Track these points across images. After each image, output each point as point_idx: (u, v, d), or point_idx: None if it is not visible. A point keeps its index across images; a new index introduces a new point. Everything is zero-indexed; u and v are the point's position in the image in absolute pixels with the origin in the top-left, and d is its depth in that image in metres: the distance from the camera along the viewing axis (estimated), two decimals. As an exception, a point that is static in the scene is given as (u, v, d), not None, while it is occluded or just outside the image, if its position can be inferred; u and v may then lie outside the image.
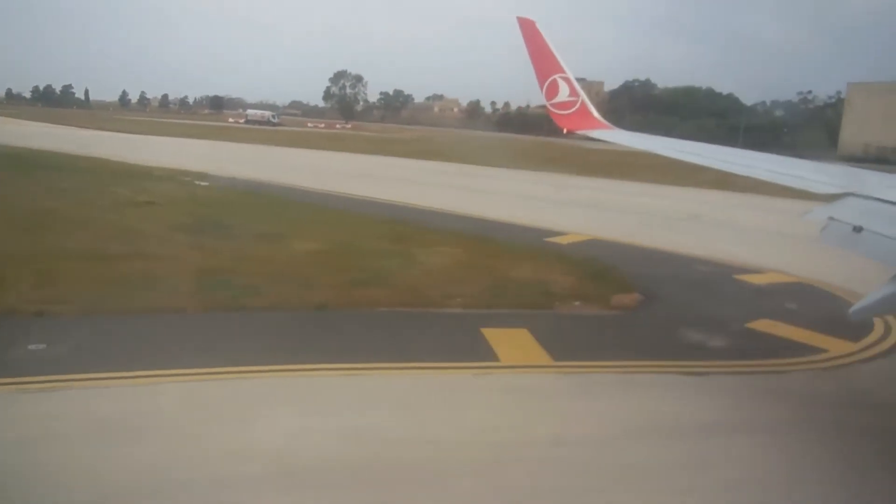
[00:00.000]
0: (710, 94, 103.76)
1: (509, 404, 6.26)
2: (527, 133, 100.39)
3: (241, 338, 7.66)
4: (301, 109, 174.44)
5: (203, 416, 5.68)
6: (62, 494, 4.46)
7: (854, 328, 9.18)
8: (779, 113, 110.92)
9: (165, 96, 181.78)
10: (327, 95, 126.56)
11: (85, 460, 4.86)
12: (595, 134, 10.24)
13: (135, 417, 5.56)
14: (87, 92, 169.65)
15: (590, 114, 10.46)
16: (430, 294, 9.79)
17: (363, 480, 4.78)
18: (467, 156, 41.68)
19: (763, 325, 9.17)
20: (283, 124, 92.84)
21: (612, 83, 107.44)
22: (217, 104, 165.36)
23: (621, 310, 9.77)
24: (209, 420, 5.61)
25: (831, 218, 5.69)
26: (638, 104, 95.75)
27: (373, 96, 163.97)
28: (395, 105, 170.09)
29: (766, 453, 5.48)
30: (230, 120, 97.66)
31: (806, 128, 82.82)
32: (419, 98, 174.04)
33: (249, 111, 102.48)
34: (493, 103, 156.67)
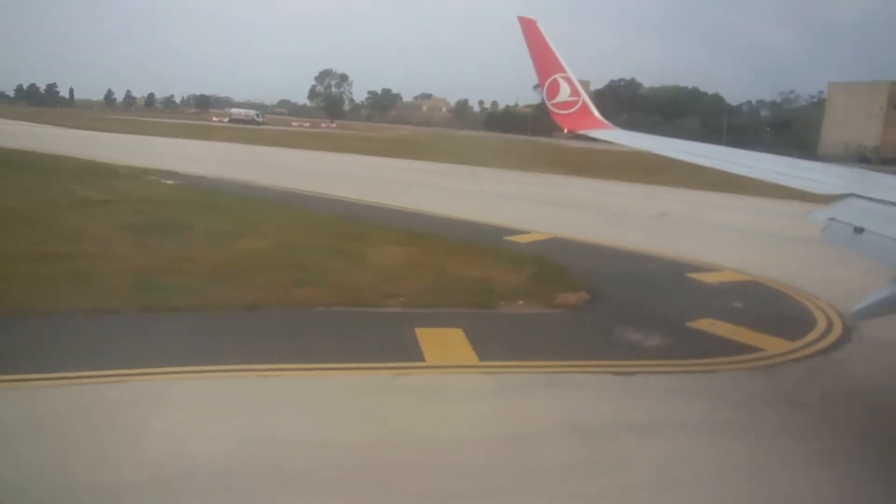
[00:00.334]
0: (696, 94, 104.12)
1: (419, 405, 6.11)
2: (513, 132, 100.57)
3: (152, 339, 7.42)
4: (289, 108, 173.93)
5: (88, 422, 5.45)
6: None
7: (796, 326, 9.16)
8: (764, 113, 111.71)
9: (151, 95, 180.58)
10: (312, 94, 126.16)
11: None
12: (596, 134, 10.19)
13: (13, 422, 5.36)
14: (71, 91, 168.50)
15: (591, 113, 10.40)
16: (371, 293, 9.63)
17: (230, 486, 4.59)
18: (446, 155, 41.64)
19: (704, 324, 9.06)
20: (267, 123, 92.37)
21: (597, 83, 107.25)
22: (203, 103, 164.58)
23: (565, 308, 9.63)
24: (94, 426, 5.39)
25: (832, 219, 5.63)
26: (623, 103, 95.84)
27: (360, 95, 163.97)
28: (382, 104, 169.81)
29: (670, 455, 5.35)
30: (214, 119, 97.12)
31: (788, 127, 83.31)
32: (408, 97, 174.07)
33: (233, 110, 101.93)
34: (480, 102, 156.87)
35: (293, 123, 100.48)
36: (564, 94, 10.18)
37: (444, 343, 7.78)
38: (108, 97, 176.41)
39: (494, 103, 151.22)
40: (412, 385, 6.59)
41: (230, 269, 10.55)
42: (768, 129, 77.27)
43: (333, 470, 4.87)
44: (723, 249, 14.73)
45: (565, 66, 10.13)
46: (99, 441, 5.11)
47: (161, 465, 4.79)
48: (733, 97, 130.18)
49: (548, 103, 10.41)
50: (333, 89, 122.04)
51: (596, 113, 10.42)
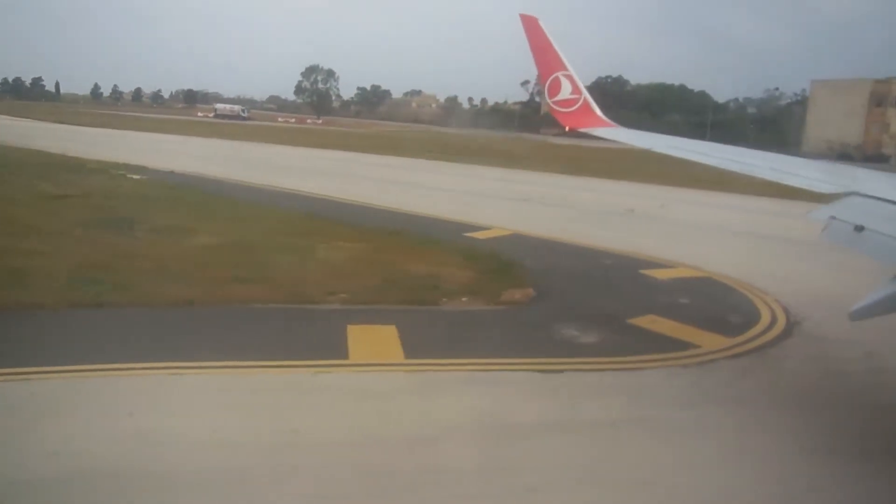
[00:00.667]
0: (682, 91, 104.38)
1: (328, 404, 5.98)
2: (501, 129, 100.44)
3: (67, 336, 7.25)
4: (278, 104, 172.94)
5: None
6: None
7: (739, 323, 9.10)
8: (751, 110, 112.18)
9: (138, 90, 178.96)
10: (299, 90, 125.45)
11: None
12: (598, 132, 10.11)
13: None
14: (57, 85, 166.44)
15: (592, 111, 10.29)
16: (313, 290, 9.49)
17: (112, 489, 4.45)
18: (425, 151, 41.50)
19: (646, 320, 8.98)
20: (253, 119, 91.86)
21: (584, 80, 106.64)
22: (192, 99, 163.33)
23: (508, 305, 9.53)
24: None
25: (833, 217, 5.57)
26: (610, 101, 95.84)
27: (350, 92, 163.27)
28: (371, 100, 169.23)
29: (575, 454, 5.26)
30: (199, 114, 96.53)
31: (772, 124, 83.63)
32: (398, 94, 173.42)
33: (219, 105, 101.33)
34: (470, 99, 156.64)
35: (279, 119, 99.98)
36: (566, 91, 10.10)
37: (373, 340, 7.65)
38: (95, 91, 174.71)
39: (484, 100, 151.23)
40: (328, 384, 6.46)
41: (174, 265, 10.37)
42: (752, 126, 77.47)
43: (215, 472, 4.73)
44: (686, 246, 14.67)
45: (567, 63, 10.09)
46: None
47: (46, 466, 4.64)
48: (721, 94, 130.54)
49: (549, 101, 10.39)
50: (320, 85, 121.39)
51: (598, 111, 10.35)
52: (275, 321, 8.31)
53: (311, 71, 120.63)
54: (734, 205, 22.61)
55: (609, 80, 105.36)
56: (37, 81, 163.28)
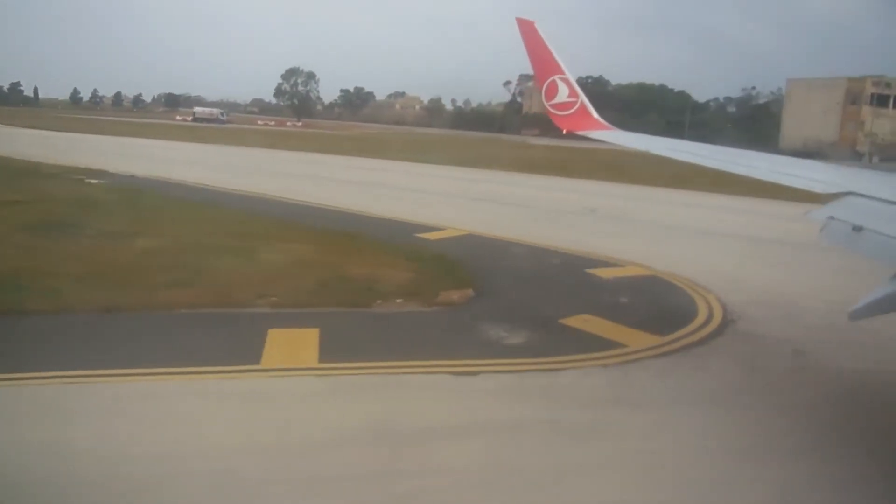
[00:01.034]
0: (662, 91, 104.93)
1: (226, 411, 5.81)
2: (483, 130, 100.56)
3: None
4: (260, 107, 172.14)
5: None
6: None
7: (673, 321, 9.02)
8: (732, 109, 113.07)
9: (118, 94, 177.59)
10: (279, 92, 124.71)
11: None
12: (595, 134, 10.10)
13: None
14: (36, 90, 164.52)
15: (589, 114, 10.31)
16: (246, 293, 9.31)
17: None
18: (399, 152, 41.34)
19: (578, 320, 8.88)
20: (232, 122, 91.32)
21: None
22: (173, 102, 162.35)
23: (443, 307, 9.40)
24: None
25: (831, 217, 5.51)
26: (591, 101, 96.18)
27: (333, 94, 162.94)
28: (355, 102, 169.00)
29: (468, 458, 5.13)
30: (178, 118, 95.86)
31: (750, 123, 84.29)
32: (381, 96, 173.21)
33: (197, 109, 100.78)
34: (453, 101, 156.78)
35: (258, 122, 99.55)
36: (563, 94, 10.11)
37: (290, 345, 7.49)
38: (74, 96, 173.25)
39: (467, 101, 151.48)
40: (230, 390, 6.29)
41: (107, 271, 10.14)
42: (729, 125, 78.02)
43: (80, 484, 4.55)
44: (641, 245, 14.62)
45: (563, 67, 10.09)
46: None
47: None
48: (702, 94, 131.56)
49: (546, 104, 10.36)
50: (300, 87, 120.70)
51: (594, 114, 10.36)
52: (195, 326, 8.12)
53: (291, 73, 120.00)
54: (709, 204, 22.70)
55: (590, 81, 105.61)
56: (15, 87, 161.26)
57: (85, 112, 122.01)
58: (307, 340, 7.61)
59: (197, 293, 9.19)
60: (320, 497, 4.59)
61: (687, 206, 22.54)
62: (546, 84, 10.11)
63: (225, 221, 14.94)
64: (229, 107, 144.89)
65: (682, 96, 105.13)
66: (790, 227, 18.20)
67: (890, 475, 5.26)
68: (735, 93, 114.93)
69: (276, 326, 8.07)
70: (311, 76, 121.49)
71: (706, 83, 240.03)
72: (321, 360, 7.08)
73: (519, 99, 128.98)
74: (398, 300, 9.49)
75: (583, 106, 10.19)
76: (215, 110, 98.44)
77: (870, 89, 75.68)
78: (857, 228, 5.14)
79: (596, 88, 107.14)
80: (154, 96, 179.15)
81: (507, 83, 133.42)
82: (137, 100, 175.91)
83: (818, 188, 6.21)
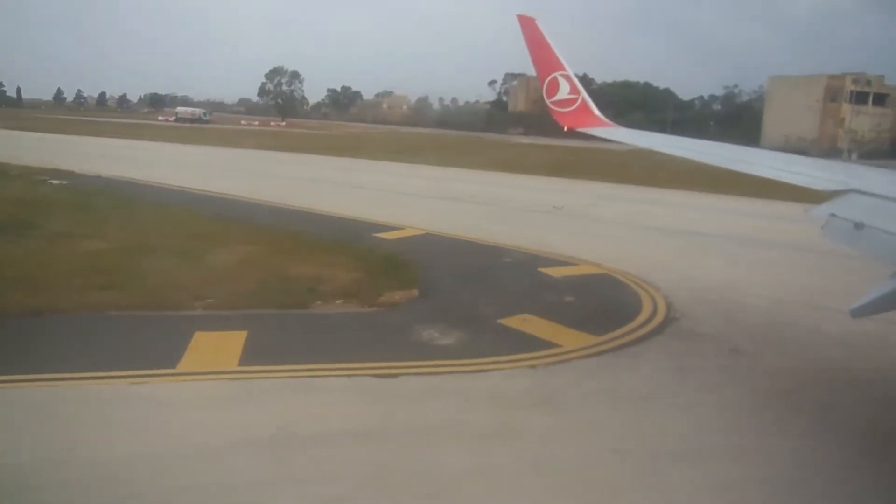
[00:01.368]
0: (647, 89, 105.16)
1: (128, 417, 5.63)
2: (469, 129, 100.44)
3: None
4: (247, 107, 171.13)
5: None
6: None
7: (614, 320, 8.91)
8: (717, 107, 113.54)
9: (103, 94, 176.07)
10: (262, 92, 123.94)
11: None
12: (596, 131, 10.03)
13: None
14: (19, 90, 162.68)
15: (590, 111, 10.23)
16: (183, 295, 9.13)
17: None
18: (378, 152, 41.12)
19: (517, 320, 8.76)
20: (214, 122, 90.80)
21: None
22: (158, 102, 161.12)
23: (384, 307, 9.26)
24: None
25: (833, 215, 5.46)
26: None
27: (320, 93, 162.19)
28: (342, 102, 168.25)
29: (369, 463, 4.99)
30: (160, 118, 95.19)
31: (733, 121, 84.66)
32: (369, 95, 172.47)
33: (179, 109, 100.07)
34: (440, 100, 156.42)
35: (242, 122, 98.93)
36: (564, 91, 10.06)
37: (213, 348, 7.32)
38: (58, 96, 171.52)
39: (454, 100, 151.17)
40: (137, 395, 6.11)
41: (45, 272, 9.94)
42: (712, 122, 78.33)
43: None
44: (601, 243, 14.57)
45: (565, 64, 10.03)
46: None
47: None
48: (687, 92, 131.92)
49: (548, 101, 10.28)
50: (284, 87, 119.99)
51: (596, 111, 10.29)
52: (121, 330, 7.93)
53: (275, 73, 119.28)
54: (683, 203, 22.60)
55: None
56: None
57: (68, 113, 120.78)
58: (232, 343, 7.44)
59: (132, 295, 9.01)
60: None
61: (659, 204, 22.45)
62: (547, 81, 10.07)
63: (180, 222, 14.73)
64: (216, 107, 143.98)
65: (667, 94, 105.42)
66: (759, 225, 18.30)
67: (806, 475, 5.17)
68: (716, 90, 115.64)
69: (206, 329, 7.92)
70: (295, 75, 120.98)
71: (691, 81, 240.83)
72: (241, 363, 6.93)
73: (504, 98, 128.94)
74: (338, 301, 9.35)
75: (584, 103, 10.16)
76: (197, 110, 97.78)
77: (849, 87, 76.26)
78: (859, 226, 5.13)
79: (582, 86, 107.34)
80: (140, 96, 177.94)
81: (492, 82, 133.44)
82: (122, 100, 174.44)
83: (819, 185, 6.18)
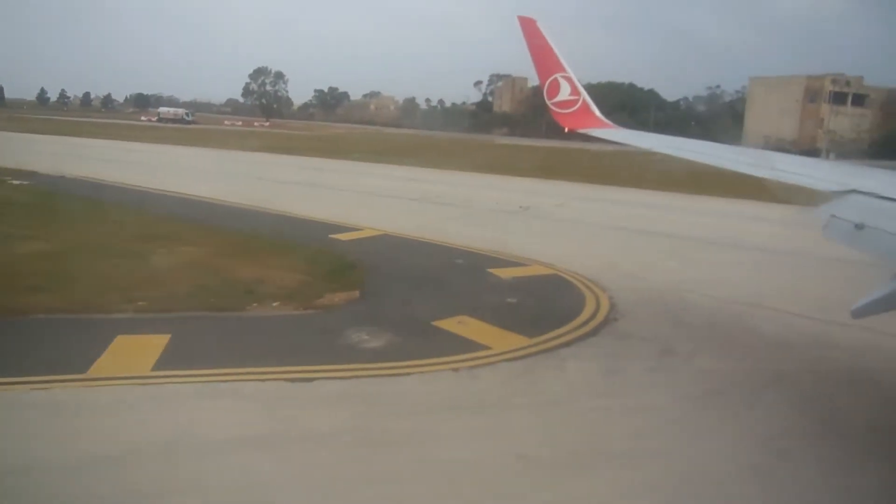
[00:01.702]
0: (631, 90, 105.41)
1: (22, 424, 5.46)
2: (454, 130, 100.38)
3: None
4: (234, 107, 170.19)
5: None
6: None
7: (551, 322, 8.80)
8: (701, 108, 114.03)
9: (87, 94, 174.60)
10: (247, 92, 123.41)
11: None
12: (597, 132, 9.93)
13: None
14: (1, 90, 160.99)
15: (591, 113, 10.14)
16: (115, 298, 8.94)
17: None
18: (356, 153, 40.96)
19: (452, 322, 8.63)
20: (198, 122, 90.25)
21: (536, 79, 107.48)
22: (142, 102, 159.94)
23: (320, 309, 9.11)
24: None
25: (833, 215, 5.45)
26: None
27: (307, 94, 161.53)
28: (329, 103, 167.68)
29: (256, 472, 4.85)
30: (143, 118, 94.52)
31: (715, 121, 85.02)
32: (357, 96, 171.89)
33: (162, 109, 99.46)
34: (427, 100, 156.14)
35: (225, 122, 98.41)
36: (565, 93, 9.97)
37: (131, 352, 7.15)
38: (42, 96, 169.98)
39: (441, 101, 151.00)
40: (36, 401, 5.91)
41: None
42: (693, 123, 78.68)
43: None
44: (557, 243, 14.50)
45: (566, 65, 9.96)
46: None
47: None
48: (672, 92, 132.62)
49: (548, 102, 10.21)
50: (268, 87, 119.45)
51: (597, 112, 10.21)
52: (40, 333, 7.73)
53: (259, 73, 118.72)
54: (656, 203, 22.48)
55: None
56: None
57: (50, 113, 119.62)
58: (151, 347, 7.27)
59: (62, 298, 8.81)
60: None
61: (631, 205, 22.32)
62: (548, 82, 10.02)
63: (133, 223, 14.53)
64: (203, 107, 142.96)
65: (652, 95, 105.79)
66: (730, 226, 18.27)
67: (706, 479, 5.08)
68: (699, 91, 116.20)
69: (131, 332, 7.75)
70: (279, 76, 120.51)
71: (676, 81, 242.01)
72: (155, 368, 6.75)
73: (490, 98, 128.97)
74: (274, 304, 9.20)
75: (585, 104, 10.10)
76: (180, 110, 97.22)
77: (828, 87, 76.90)
78: (860, 226, 5.12)
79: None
80: (127, 96, 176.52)
81: (477, 83, 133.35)
82: (108, 100, 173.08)
83: (819, 186, 6.16)
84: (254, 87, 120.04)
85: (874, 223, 5.12)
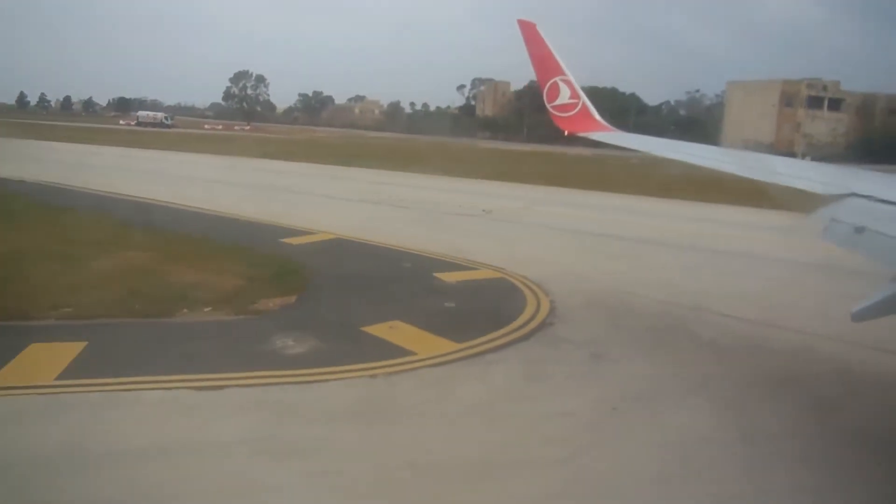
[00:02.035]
0: (613, 94, 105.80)
1: None
2: (438, 134, 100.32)
3: None
4: (217, 111, 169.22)
5: None
6: None
7: (485, 326, 8.66)
8: (683, 112, 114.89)
9: (68, 98, 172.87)
10: (227, 96, 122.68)
11: None
12: (597, 136, 9.99)
13: None
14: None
15: (591, 116, 10.16)
16: (39, 303, 8.69)
17: None
18: (331, 156, 40.73)
19: (383, 327, 8.47)
20: (177, 126, 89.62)
21: (518, 83, 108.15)
22: (123, 106, 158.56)
23: (253, 315, 8.94)
24: None
25: (833, 219, 5.42)
26: (543, 104, 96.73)
27: (291, 97, 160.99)
28: (314, 106, 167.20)
29: (139, 485, 4.68)
30: (121, 122, 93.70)
31: (695, 125, 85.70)
32: (342, 100, 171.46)
33: (140, 113, 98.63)
34: (412, 104, 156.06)
35: (205, 126, 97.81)
36: (564, 96, 10.00)
37: (40, 361, 6.91)
38: (22, 100, 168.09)
39: (425, 105, 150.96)
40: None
41: None
42: (672, 127, 79.23)
43: None
44: (512, 247, 14.38)
45: (565, 68, 9.98)
46: None
47: None
48: (653, 97, 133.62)
49: (548, 106, 10.23)
50: (249, 91, 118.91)
51: (597, 115, 10.24)
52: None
53: (240, 76, 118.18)
54: (627, 207, 22.43)
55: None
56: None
57: (29, 117, 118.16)
58: (62, 356, 7.04)
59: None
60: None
61: (599, 209, 22.21)
62: (548, 86, 10.02)
63: (79, 227, 14.23)
64: (186, 111, 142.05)
65: (633, 99, 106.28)
66: (697, 229, 18.23)
67: (603, 488, 4.97)
68: (679, 95, 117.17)
69: (47, 340, 7.53)
70: (260, 79, 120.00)
71: (657, 86, 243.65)
72: (59, 377, 6.53)
73: (473, 102, 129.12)
74: (206, 309, 9.00)
75: (584, 107, 10.12)
76: (159, 114, 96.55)
77: (805, 92, 77.77)
78: (859, 230, 5.08)
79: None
80: (109, 100, 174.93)
81: (461, 87, 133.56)
82: (89, 104, 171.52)
83: (818, 189, 6.13)
84: (235, 90, 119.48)
85: (874, 226, 5.09)
